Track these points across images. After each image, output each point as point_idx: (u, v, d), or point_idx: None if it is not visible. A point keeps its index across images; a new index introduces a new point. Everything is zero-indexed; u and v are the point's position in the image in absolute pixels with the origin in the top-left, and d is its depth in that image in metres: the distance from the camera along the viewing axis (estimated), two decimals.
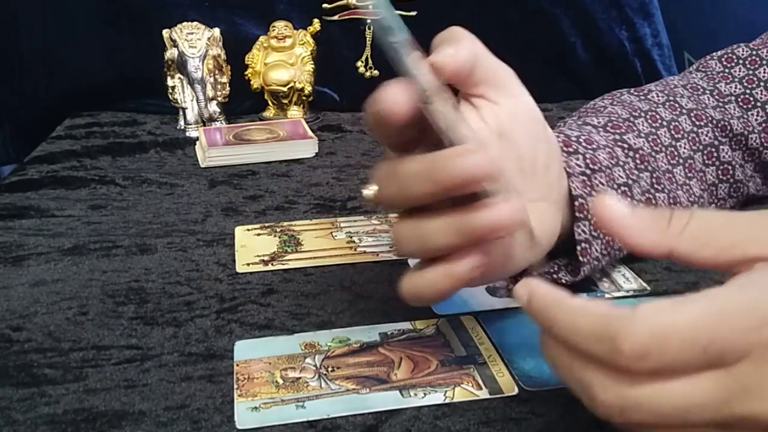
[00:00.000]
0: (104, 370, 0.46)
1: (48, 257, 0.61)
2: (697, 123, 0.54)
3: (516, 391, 0.43)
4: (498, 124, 0.41)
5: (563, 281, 0.49)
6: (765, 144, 0.55)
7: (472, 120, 0.41)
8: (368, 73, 1.02)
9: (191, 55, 0.92)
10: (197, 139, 0.89)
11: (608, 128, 0.52)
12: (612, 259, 0.51)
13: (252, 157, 0.83)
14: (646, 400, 0.29)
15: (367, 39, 1.02)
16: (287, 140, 0.85)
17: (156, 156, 0.86)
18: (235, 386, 0.44)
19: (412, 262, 0.58)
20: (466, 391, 0.43)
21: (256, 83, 0.97)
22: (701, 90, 0.56)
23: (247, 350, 0.47)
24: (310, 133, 0.87)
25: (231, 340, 0.49)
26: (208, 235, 0.64)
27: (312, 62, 0.97)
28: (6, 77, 1.04)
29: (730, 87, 0.56)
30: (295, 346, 0.48)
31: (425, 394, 0.42)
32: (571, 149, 0.48)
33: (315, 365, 0.45)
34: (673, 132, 0.53)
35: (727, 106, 0.55)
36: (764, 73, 0.57)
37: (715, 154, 0.54)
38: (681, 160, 0.53)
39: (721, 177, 0.55)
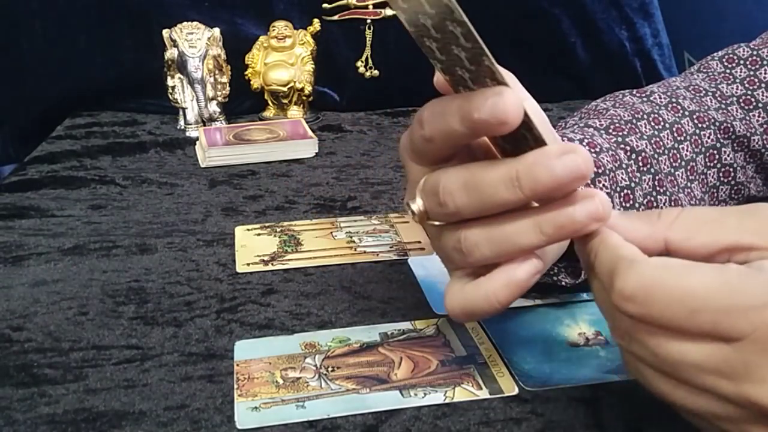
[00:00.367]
0: (104, 370, 0.46)
1: (48, 257, 0.61)
2: (700, 125, 0.54)
3: (516, 391, 0.43)
4: None
5: (563, 283, 0.49)
6: (767, 146, 0.56)
7: None
8: (368, 73, 1.02)
9: (191, 55, 0.92)
10: (197, 139, 0.89)
11: (611, 131, 0.52)
12: None
13: (252, 157, 0.83)
14: (645, 337, 0.31)
15: (367, 39, 1.02)
16: (287, 140, 0.85)
17: (156, 156, 0.86)
18: (236, 386, 0.44)
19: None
20: (466, 391, 0.43)
21: (256, 83, 0.98)
22: (703, 91, 0.56)
23: (247, 350, 0.47)
24: (310, 133, 0.87)
25: (231, 340, 0.49)
26: (208, 235, 0.64)
27: (312, 62, 0.97)
28: (6, 77, 1.04)
29: (732, 88, 0.56)
30: (296, 346, 0.48)
31: (425, 394, 0.42)
32: None
33: (315, 365, 0.45)
34: (675, 134, 0.53)
35: (729, 108, 0.55)
36: (765, 74, 0.57)
37: (717, 157, 0.54)
38: (683, 163, 0.53)
39: (722, 179, 0.55)
